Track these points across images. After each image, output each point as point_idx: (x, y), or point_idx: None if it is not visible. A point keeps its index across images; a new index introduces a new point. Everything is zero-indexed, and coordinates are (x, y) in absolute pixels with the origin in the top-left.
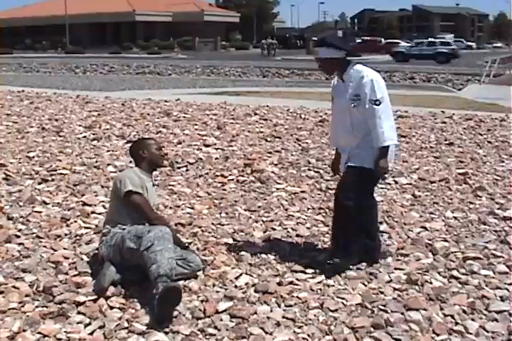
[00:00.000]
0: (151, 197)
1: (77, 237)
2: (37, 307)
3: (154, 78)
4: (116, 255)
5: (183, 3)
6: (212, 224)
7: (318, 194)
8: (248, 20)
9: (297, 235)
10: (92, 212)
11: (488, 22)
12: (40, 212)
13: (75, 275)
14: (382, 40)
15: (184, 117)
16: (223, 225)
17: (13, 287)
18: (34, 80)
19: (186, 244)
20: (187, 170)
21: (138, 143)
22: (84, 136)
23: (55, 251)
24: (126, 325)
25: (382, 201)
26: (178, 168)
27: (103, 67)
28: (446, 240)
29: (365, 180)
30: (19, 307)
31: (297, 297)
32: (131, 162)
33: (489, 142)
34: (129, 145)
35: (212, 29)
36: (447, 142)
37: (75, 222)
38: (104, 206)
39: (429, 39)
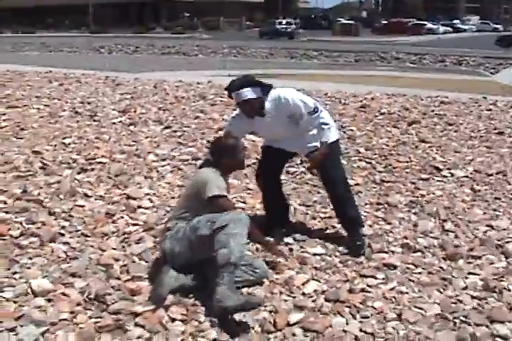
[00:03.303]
0: None
1: (126, 235)
2: (90, 317)
3: (181, 59)
4: (184, 248)
5: None
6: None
7: (374, 187)
8: (273, 1)
9: (364, 235)
10: (139, 207)
11: None
12: (82, 206)
13: (128, 280)
14: (410, 20)
15: (221, 101)
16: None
17: (63, 294)
18: (59, 60)
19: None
20: None
21: (225, 147)
22: (120, 121)
23: (104, 251)
24: (190, 340)
25: (441, 196)
26: None
27: (128, 47)
28: None
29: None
30: (71, 318)
31: (372, 307)
32: (172, 150)
33: None
34: (212, 142)
35: (236, 9)
36: (497, 131)
37: (122, 217)
38: (150, 199)
39: (277, 20)
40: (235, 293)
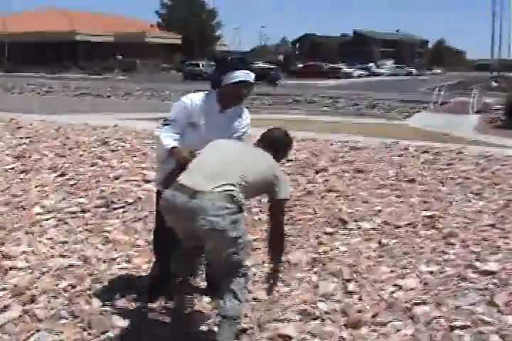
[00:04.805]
0: None
1: None
2: None
3: (93, 100)
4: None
5: (124, 24)
6: None
7: None
8: (190, 43)
9: (254, 299)
10: (11, 268)
11: (428, 48)
12: None
13: None
14: (325, 65)
15: (122, 147)
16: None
17: None
18: None
19: None
20: (124, 211)
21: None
22: (12, 168)
23: None
24: None
25: (346, 252)
26: (115, 209)
27: (41, 88)
28: (425, 302)
29: None
30: None
31: None
32: (61, 201)
33: (451, 178)
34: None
35: (153, 51)
36: (407, 179)
37: None
38: (26, 259)
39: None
40: None
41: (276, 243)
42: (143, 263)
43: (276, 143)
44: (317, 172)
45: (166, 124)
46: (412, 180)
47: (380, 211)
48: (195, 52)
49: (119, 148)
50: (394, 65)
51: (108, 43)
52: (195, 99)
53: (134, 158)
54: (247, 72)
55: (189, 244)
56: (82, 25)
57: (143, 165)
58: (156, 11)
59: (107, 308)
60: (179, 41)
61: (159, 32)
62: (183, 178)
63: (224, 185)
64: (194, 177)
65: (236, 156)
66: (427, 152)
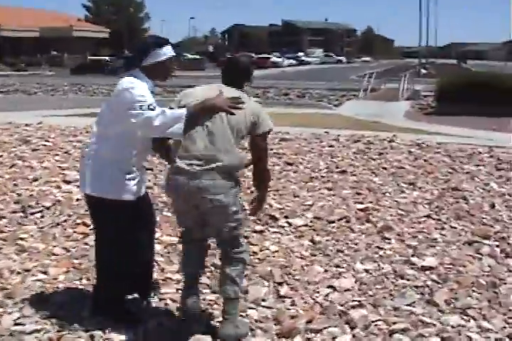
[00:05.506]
0: None
1: None
2: None
3: (20, 97)
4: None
5: (51, 18)
6: (71, 297)
7: None
8: (118, 36)
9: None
10: None
11: (357, 37)
12: None
13: None
14: (254, 54)
15: (44, 145)
16: (85, 299)
17: None
18: None
19: None
20: (42, 216)
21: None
22: None
23: None
24: None
25: (277, 251)
26: (32, 213)
27: None
28: (361, 304)
29: None
30: None
31: None
32: None
33: (384, 168)
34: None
35: (81, 44)
36: (339, 170)
37: None
38: None
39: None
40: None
41: (263, 173)
42: (60, 274)
43: (244, 67)
44: (246, 165)
45: (152, 109)
46: (344, 172)
47: (311, 205)
48: (124, 45)
49: (40, 147)
50: (323, 54)
51: (34, 38)
52: (141, 82)
53: (56, 157)
54: (170, 47)
55: (195, 233)
56: (6, 20)
57: (64, 165)
58: (84, 5)
59: (19, 328)
60: (107, 35)
61: (86, 25)
62: (179, 162)
63: (218, 161)
64: (189, 158)
65: (218, 124)
66: (358, 141)
